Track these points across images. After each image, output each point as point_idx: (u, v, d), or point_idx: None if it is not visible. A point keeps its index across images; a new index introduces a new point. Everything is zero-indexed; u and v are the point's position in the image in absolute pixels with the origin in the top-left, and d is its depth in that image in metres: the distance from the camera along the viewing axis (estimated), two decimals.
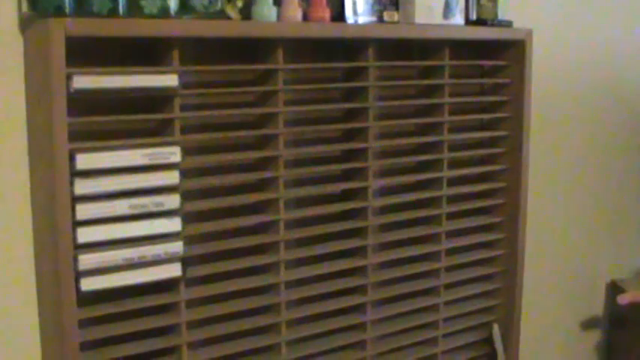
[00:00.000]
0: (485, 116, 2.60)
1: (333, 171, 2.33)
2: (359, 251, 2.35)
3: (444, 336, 2.58)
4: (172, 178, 1.93)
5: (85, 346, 1.91)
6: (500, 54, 2.60)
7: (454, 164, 2.54)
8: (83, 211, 1.82)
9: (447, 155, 2.47)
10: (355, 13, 2.20)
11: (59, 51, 1.73)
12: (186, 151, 1.97)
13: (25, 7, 1.83)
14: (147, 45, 1.97)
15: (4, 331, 1.94)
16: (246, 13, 2.04)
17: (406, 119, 2.41)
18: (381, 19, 2.26)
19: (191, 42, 2.01)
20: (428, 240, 2.51)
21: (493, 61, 2.57)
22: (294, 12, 2.07)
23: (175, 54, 1.92)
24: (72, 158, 1.79)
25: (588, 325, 3.26)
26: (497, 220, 2.65)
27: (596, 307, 3.28)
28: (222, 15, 2.00)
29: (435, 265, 2.50)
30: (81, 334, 1.86)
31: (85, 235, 1.82)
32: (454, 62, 2.44)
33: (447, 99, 2.44)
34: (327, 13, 2.13)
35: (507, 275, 2.68)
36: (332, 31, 2.14)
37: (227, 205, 2.11)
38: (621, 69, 3.15)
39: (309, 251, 2.24)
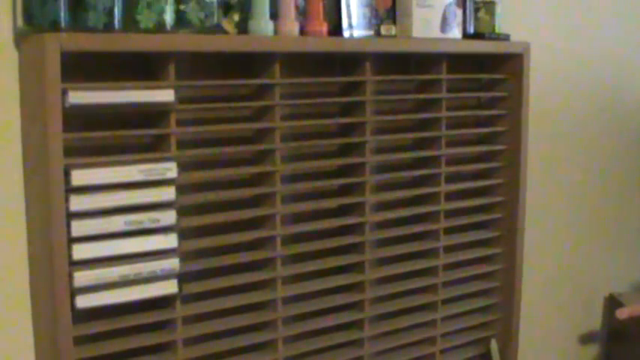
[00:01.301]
0: (483, 130, 2.59)
1: (330, 186, 2.31)
2: (356, 267, 2.33)
3: (442, 351, 2.56)
4: (168, 194, 1.91)
5: None
6: (498, 67, 2.59)
7: (451, 178, 2.53)
8: (78, 227, 1.80)
9: (444, 169, 2.45)
10: (352, 26, 2.19)
11: (54, 66, 1.71)
12: (182, 167, 1.95)
13: (20, 22, 1.81)
14: (143, 59, 1.95)
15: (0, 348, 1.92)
16: (242, 27, 2.03)
17: (403, 133, 2.40)
18: (378, 33, 2.25)
19: (187, 56, 1.99)
20: (425, 255, 2.50)
21: (490, 75, 2.56)
22: (291, 26, 2.06)
23: (171, 68, 1.91)
24: (67, 174, 1.77)
25: (586, 339, 3.25)
26: (494, 234, 2.64)
27: (595, 321, 3.27)
28: (218, 29, 1.99)
29: (433, 281, 2.49)
30: (76, 352, 1.84)
31: (80, 251, 1.80)
32: (451, 76, 2.43)
33: (444, 113, 2.43)
34: (324, 27, 2.12)
35: (505, 290, 2.67)
36: (329, 45, 2.13)
37: (223, 221, 2.09)
38: (619, 82, 3.14)
39: (306, 267, 2.22)
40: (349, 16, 2.19)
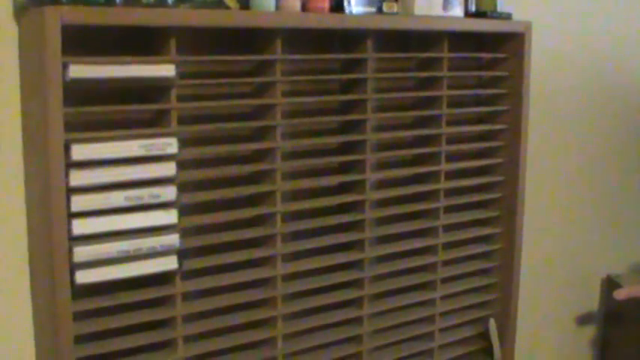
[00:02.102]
0: (484, 109, 2.58)
1: (330, 163, 2.31)
2: (356, 244, 2.33)
3: (441, 330, 2.57)
4: (169, 169, 1.90)
5: (80, 339, 1.88)
6: (499, 46, 2.58)
7: (452, 157, 2.53)
8: (78, 202, 1.79)
9: (444, 148, 2.45)
10: (354, 3, 2.18)
11: (55, 39, 1.70)
12: (182, 143, 1.94)
13: None
14: (144, 34, 1.94)
15: None
16: (244, 2, 2.01)
17: (404, 111, 2.39)
18: (380, 10, 2.24)
19: (188, 31, 1.98)
20: (425, 233, 2.50)
21: (492, 54, 2.55)
22: (293, 2, 2.05)
23: (172, 43, 1.90)
24: (67, 149, 1.76)
25: (584, 320, 3.25)
26: (494, 214, 2.64)
27: (592, 301, 3.27)
28: (220, 4, 1.97)
29: (432, 259, 2.49)
30: (75, 327, 1.84)
31: (80, 226, 1.80)
32: (453, 54, 2.42)
33: (445, 91, 2.42)
34: (326, 3, 2.10)
35: (504, 270, 2.67)
36: (331, 21, 2.11)
37: (223, 197, 2.08)
38: (621, 62, 3.14)
39: (306, 244, 2.21)
40: None
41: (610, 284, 3.20)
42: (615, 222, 3.27)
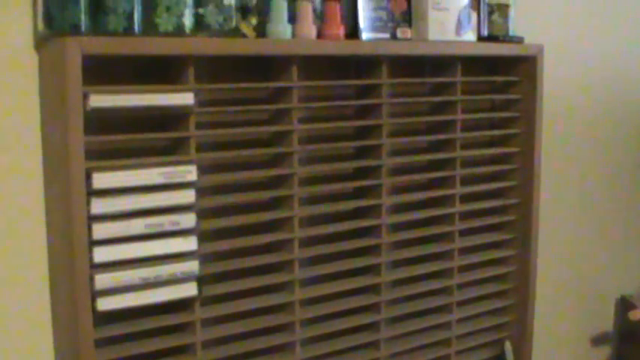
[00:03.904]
0: (497, 132, 2.59)
1: (346, 188, 2.32)
2: (372, 269, 2.34)
3: (457, 353, 2.57)
4: (188, 196, 1.92)
5: None
6: (512, 70, 2.59)
7: (466, 181, 2.54)
8: (99, 230, 1.81)
9: (459, 172, 2.46)
10: (368, 30, 2.20)
11: (75, 69, 1.72)
12: (201, 169, 1.96)
13: (40, 26, 1.82)
14: (162, 63, 1.96)
15: (20, 350, 1.92)
16: (260, 30, 2.03)
17: (418, 136, 2.40)
18: (394, 36, 2.26)
19: (206, 60, 2.00)
20: (440, 257, 2.50)
21: (504, 77, 2.57)
22: (309, 29, 2.06)
23: (191, 72, 1.91)
24: (88, 177, 1.77)
25: (599, 340, 3.25)
26: (508, 236, 2.64)
27: (607, 322, 3.27)
28: (236, 32, 1.99)
29: (448, 282, 2.49)
30: (97, 354, 1.85)
31: (101, 254, 1.81)
32: (466, 79, 2.44)
33: (459, 115, 2.43)
34: (341, 31, 2.12)
35: (519, 292, 2.67)
36: (346, 48, 2.13)
37: (242, 224, 2.09)
38: (633, 84, 3.15)
39: (323, 269, 2.22)
40: (366, 20, 2.19)
41: (624, 304, 3.20)
42: (630, 243, 3.27)
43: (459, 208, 2.48)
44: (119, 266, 1.84)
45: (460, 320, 2.57)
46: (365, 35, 2.19)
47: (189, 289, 1.95)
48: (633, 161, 3.22)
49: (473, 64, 2.52)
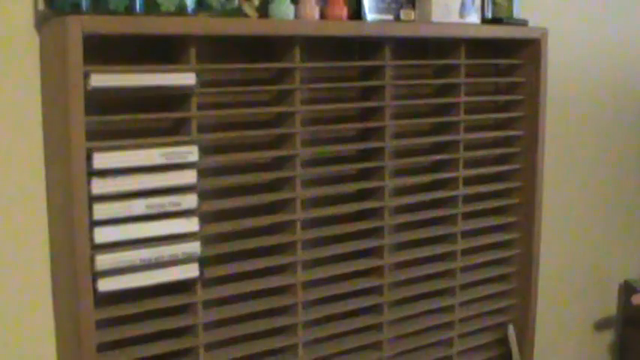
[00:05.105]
0: (501, 115, 2.58)
1: (349, 170, 2.31)
2: (375, 251, 2.33)
3: (460, 336, 2.57)
4: (190, 177, 1.91)
5: (102, 348, 1.89)
6: (516, 53, 2.58)
7: (470, 164, 2.53)
8: (100, 211, 1.80)
9: (462, 154, 2.45)
10: (372, 11, 2.19)
11: (76, 48, 1.71)
12: (203, 150, 1.95)
13: (41, 5, 1.81)
14: (164, 43, 1.95)
15: (20, 332, 1.92)
16: (263, 10, 2.02)
17: (422, 118, 2.40)
18: (397, 18, 2.24)
19: (208, 40, 1.99)
20: (444, 240, 2.50)
21: (508, 60, 2.55)
22: (312, 10, 2.05)
23: (192, 52, 1.91)
24: (89, 157, 1.77)
25: (602, 325, 3.25)
26: (512, 219, 2.64)
27: (610, 307, 3.26)
28: (239, 13, 1.98)
29: (451, 266, 2.49)
30: (98, 335, 1.84)
31: (102, 235, 1.80)
32: (470, 61, 2.43)
33: (462, 98, 2.42)
34: (344, 11, 2.11)
35: (522, 275, 2.67)
36: (349, 29, 2.12)
37: (244, 205, 2.09)
38: (637, 68, 3.13)
39: (325, 251, 2.22)
40: (369, 1, 2.18)
41: (628, 289, 3.19)
42: (633, 227, 3.27)
43: (462, 191, 2.47)
44: (120, 247, 1.84)
45: (463, 304, 2.57)
46: (368, 16, 2.18)
47: (191, 270, 1.94)
48: (638, 146, 3.21)
49: (476, 46, 2.51)
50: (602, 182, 3.12)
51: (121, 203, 1.83)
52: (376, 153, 2.29)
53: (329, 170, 2.20)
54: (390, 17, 2.23)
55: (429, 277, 2.50)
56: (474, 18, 2.37)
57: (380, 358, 2.37)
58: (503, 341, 2.67)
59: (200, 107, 1.95)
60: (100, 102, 1.85)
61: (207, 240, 2.01)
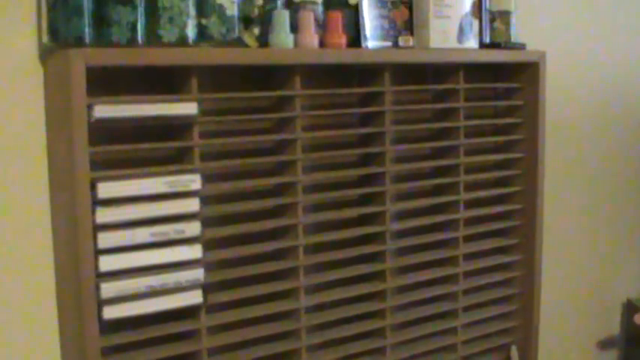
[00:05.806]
0: (501, 138, 2.61)
1: (350, 195, 2.33)
2: (377, 275, 2.35)
3: (463, 358, 2.57)
4: (193, 205, 1.93)
5: None
6: (514, 76, 2.60)
7: (470, 187, 2.55)
8: (105, 239, 1.82)
9: (463, 178, 2.47)
10: (370, 38, 2.22)
11: (80, 81, 1.74)
12: (205, 178, 1.98)
13: (45, 38, 1.84)
14: (166, 73, 1.98)
15: (26, 359, 1.94)
16: (263, 40, 2.05)
17: (422, 143, 2.42)
18: (396, 44, 2.27)
19: (209, 70, 2.02)
20: (445, 263, 2.51)
21: (507, 84, 2.58)
22: (311, 39, 2.08)
23: (194, 82, 1.93)
24: (93, 187, 1.79)
25: (605, 344, 3.25)
26: (513, 241, 2.65)
27: (613, 326, 3.27)
28: (239, 42, 2.01)
29: (453, 288, 2.50)
30: None
31: (107, 263, 1.83)
32: (468, 85, 2.45)
33: (462, 122, 2.45)
34: (343, 39, 2.14)
35: (524, 297, 2.68)
36: (348, 56, 2.15)
37: (247, 232, 2.11)
38: (635, 89, 3.15)
39: (328, 276, 2.24)
40: (367, 29, 2.21)
41: (630, 308, 3.20)
42: (634, 246, 3.28)
43: (463, 214, 2.49)
44: (125, 275, 1.86)
45: (466, 325, 2.58)
46: (366, 44, 2.20)
47: (195, 297, 1.96)
48: (637, 166, 3.22)
49: (475, 71, 2.54)
50: (603, 202, 3.14)
51: (125, 232, 1.85)
52: (377, 178, 2.31)
53: (330, 196, 2.22)
54: (389, 44, 2.26)
55: (431, 300, 2.51)
56: (472, 43, 2.40)
57: None
58: None
59: (202, 135, 1.98)
60: (104, 132, 1.88)
61: (210, 266, 2.03)
